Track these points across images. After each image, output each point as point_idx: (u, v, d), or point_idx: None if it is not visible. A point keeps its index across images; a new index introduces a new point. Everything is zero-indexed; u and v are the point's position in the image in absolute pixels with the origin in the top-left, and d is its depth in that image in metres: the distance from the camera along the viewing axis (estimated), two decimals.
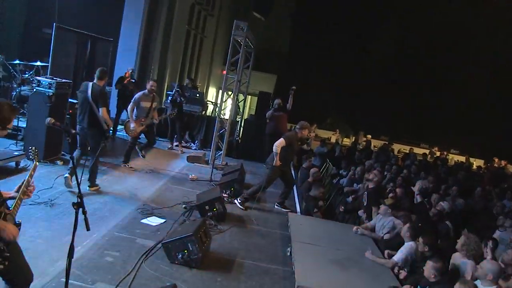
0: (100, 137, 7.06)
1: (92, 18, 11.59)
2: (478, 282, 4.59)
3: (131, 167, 9.06)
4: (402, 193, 8.67)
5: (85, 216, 3.28)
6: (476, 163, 19.42)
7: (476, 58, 23.40)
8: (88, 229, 3.29)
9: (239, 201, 7.98)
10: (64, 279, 3.33)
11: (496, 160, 19.30)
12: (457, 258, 5.49)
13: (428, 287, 4.89)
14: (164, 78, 16.22)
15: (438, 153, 19.60)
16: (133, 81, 11.63)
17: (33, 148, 3.51)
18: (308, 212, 8.21)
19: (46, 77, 7.62)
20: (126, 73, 11.64)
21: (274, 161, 7.90)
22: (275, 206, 8.40)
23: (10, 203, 3.14)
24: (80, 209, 3.28)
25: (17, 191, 3.19)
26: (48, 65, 9.50)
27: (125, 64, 12.89)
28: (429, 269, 4.88)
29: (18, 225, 3.12)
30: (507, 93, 22.54)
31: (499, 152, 19.95)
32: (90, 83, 7.07)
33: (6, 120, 3.23)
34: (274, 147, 7.91)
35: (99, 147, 7.03)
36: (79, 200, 3.28)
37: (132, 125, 8.88)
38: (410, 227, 6.14)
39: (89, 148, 7.12)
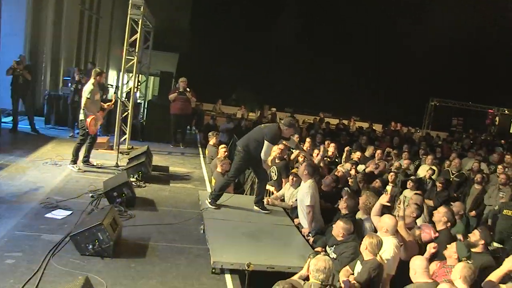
0: None
1: None
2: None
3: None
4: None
5: None
6: (375, 127, 20.78)
7: (369, 25, 24.75)
8: None
9: (210, 202, 6.81)
10: None
11: (393, 123, 21.07)
12: (360, 216, 5.92)
13: (335, 246, 5.22)
14: (59, 63, 15.22)
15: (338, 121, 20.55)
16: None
17: None
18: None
19: None
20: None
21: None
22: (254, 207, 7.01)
23: None
24: None
25: None
26: None
27: (11, 49, 11.90)
28: (338, 228, 5.22)
29: None
30: (400, 61, 24.24)
31: (394, 116, 21.73)
32: None
33: None
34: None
35: None
36: None
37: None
38: (308, 165, 6.43)
39: None
